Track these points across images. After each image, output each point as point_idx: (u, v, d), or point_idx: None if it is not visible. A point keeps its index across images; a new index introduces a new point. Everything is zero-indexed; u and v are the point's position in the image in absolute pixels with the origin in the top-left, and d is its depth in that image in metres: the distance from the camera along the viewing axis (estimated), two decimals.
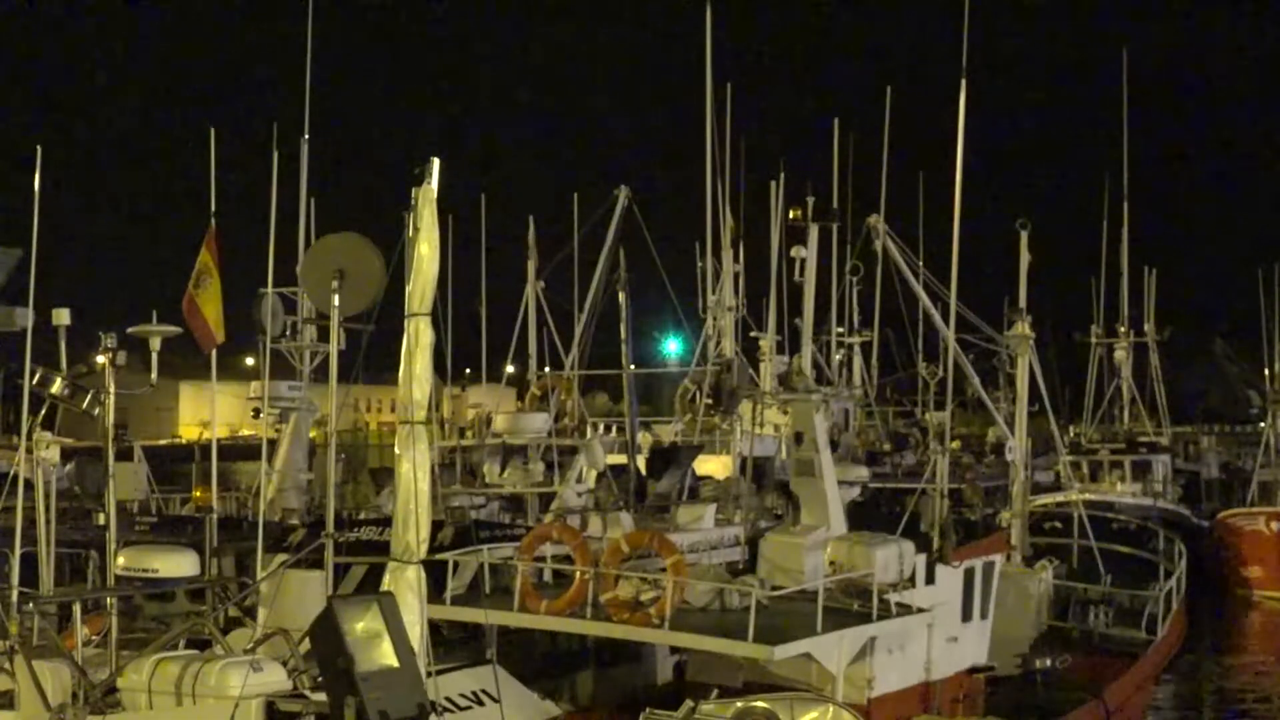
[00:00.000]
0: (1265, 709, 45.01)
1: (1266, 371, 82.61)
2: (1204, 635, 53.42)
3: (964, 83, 32.84)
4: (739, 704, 21.82)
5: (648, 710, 22.13)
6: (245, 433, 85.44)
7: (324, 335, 39.68)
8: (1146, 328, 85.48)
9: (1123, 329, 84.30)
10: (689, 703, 21.77)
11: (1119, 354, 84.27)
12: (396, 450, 16.62)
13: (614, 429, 45.26)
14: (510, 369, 55.76)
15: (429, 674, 16.31)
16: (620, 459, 33.30)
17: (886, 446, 66.68)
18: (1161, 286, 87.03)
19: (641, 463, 32.57)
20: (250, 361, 55.25)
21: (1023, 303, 41.83)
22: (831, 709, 22.41)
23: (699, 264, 52.35)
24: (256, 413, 39.74)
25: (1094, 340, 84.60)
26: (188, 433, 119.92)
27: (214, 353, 29.19)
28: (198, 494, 42.69)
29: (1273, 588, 70.01)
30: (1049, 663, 31.48)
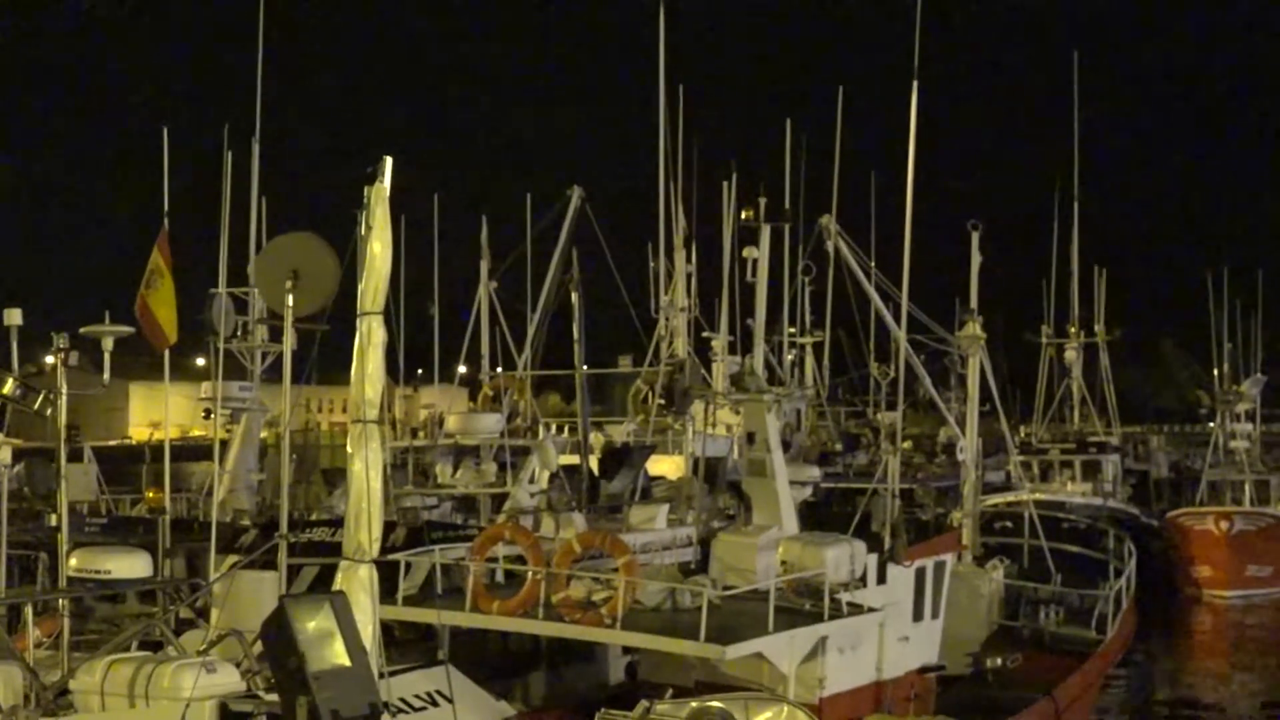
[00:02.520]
0: (1213, 707, 45.27)
1: (1215, 372, 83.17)
2: (1154, 634, 53.69)
3: (914, 84, 32.94)
4: (694, 704, 21.83)
5: (602, 710, 22.11)
6: (196, 433, 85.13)
7: (275, 335, 39.57)
8: (1097, 328, 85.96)
9: (1073, 329, 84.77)
10: (644, 703, 21.76)
11: (1069, 354, 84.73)
12: (348, 450, 16.59)
13: (566, 429, 45.26)
14: (463, 369, 55.67)
15: (381, 674, 16.30)
16: (573, 459, 33.28)
17: (838, 447, 66.75)
18: (1111, 287, 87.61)
19: (594, 463, 32.55)
20: (201, 362, 54.99)
21: (974, 303, 41.98)
22: (786, 709, 22.43)
23: (652, 264, 52.34)
24: (207, 413, 39.59)
25: (1045, 341, 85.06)
26: (138, 434, 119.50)
27: (166, 353, 29.11)
28: (150, 495, 42.51)
29: (1221, 587, 70.48)
30: (1000, 662, 31.61)
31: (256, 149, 42.30)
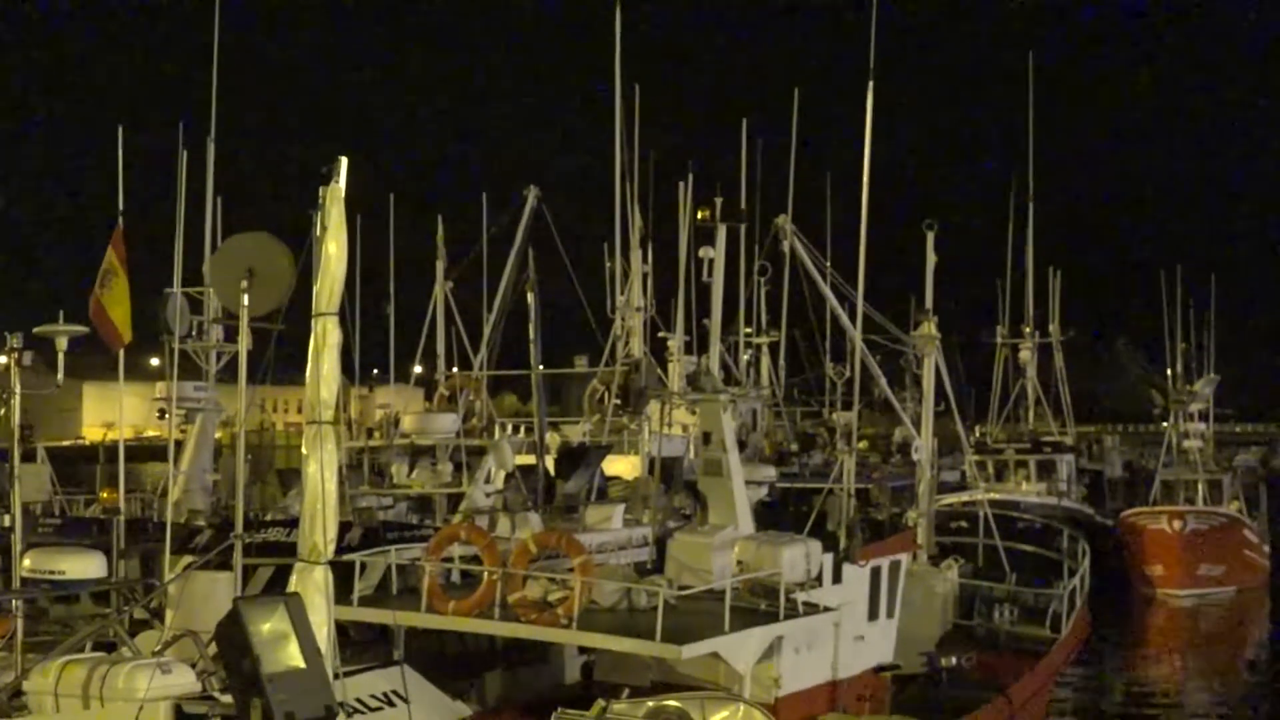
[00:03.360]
0: (1167, 705, 45.50)
1: (1169, 371, 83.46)
2: (1108, 633, 53.91)
3: (870, 85, 33.02)
4: (651, 704, 21.86)
5: (559, 710, 22.11)
6: (150, 434, 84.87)
7: (230, 335, 39.47)
8: (1051, 328, 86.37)
9: (1028, 330, 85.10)
10: (601, 703, 21.77)
11: (1024, 354, 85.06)
12: (304, 451, 16.58)
13: (522, 429, 45.21)
14: (418, 369, 55.61)
15: (336, 675, 16.29)
16: (529, 459, 33.24)
17: (794, 446, 66.90)
18: (1065, 288, 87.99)
19: (550, 463, 32.55)
20: (156, 362, 54.92)
21: (929, 303, 42.08)
22: (742, 708, 22.48)
23: (608, 264, 52.36)
24: (162, 414, 39.50)
25: (999, 341, 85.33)
26: (92, 434, 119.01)
27: (120, 353, 28.99)
28: (104, 496, 42.32)
29: (1175, 586, 70.80)
30: (954, 661, 31.65)
31: (211, 148, 42.17)
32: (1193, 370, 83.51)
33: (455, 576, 26.92)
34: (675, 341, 49.23)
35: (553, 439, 37.40)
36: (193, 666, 18.33)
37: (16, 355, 20.46)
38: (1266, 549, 77.78)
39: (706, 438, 28.77)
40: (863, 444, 60.80)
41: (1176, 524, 70.94)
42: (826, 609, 26.06)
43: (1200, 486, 75.76)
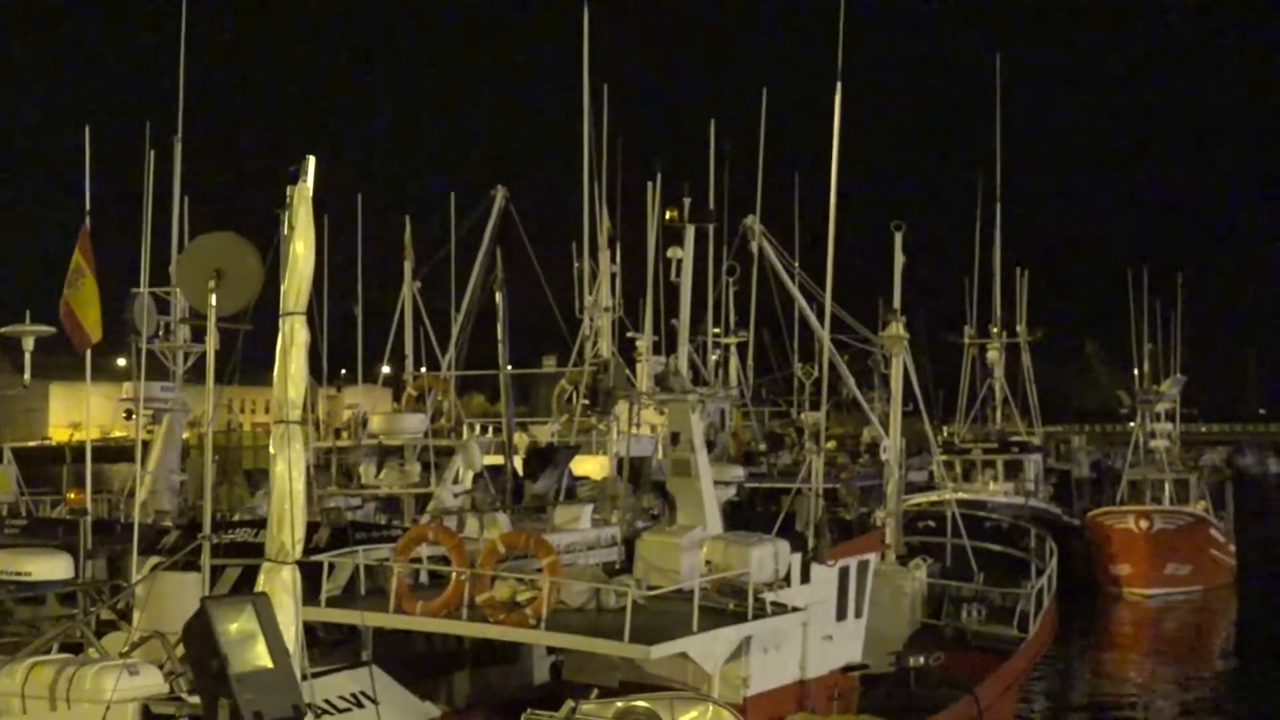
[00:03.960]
0: (1133, 705, 45.66)
1: (1136, 372, 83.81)
2: (1075, 632, 54.15)
3: (839, 85, 33.01)
4: (619, 704, 21.84)
5: (528, 711, 22.09)
6: (117, 434, 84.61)
7: (198, 335, 39.37)
8: (1019, 329, 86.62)
9: (995, 330, 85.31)
10: (570, 703, 21.75)
11: (992, 355, 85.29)
12: (271, 451, 16.55)
13: (490, 429, 45.17)
14: (386, 369, 55.51)
15: (304, 675, 16.26)
16: (497, 460, 33.20)
17: (762, 446, 66.99)
18: (1033, 288, 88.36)
19: (518, 463, 32.51)
20: (122, 362, 54.72)
21: (897, 304, 42.14)
22: (711, 708, 22.46)
23: (576, 264, 52.35)
24: (129, 414, 39.38)
25: (967, 341, 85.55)
26: (58, 434, 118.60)
27: (88, 353, 28.90)
28: (71, 496, 42.17)
29: (1142, 585, 71.08)
30: (922, 660, 31.67)
31: (178, 147, 42.07)
32: (1160, 370, 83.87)
33: (423, 577, 26.87)
34: (643, 342, 49.27)
35: (521, 439, 37.38)
36: (160, 667, 18.27)
37: None
38: (1232, 548, 78.12)
39: (675, 438, 28.76)
40: (831, 444, 60.88)
41: (1143, 523, 71.23)
42: (795, 609, 26.07)
43: (1167, 486, 76.07)
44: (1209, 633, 65.02)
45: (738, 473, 37.13)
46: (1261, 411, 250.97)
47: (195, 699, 16.28)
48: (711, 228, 39.26)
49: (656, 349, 47.43)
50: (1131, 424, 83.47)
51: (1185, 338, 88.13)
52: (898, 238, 43.31)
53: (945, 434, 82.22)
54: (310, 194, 16.37)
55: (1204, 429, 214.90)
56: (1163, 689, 48.74)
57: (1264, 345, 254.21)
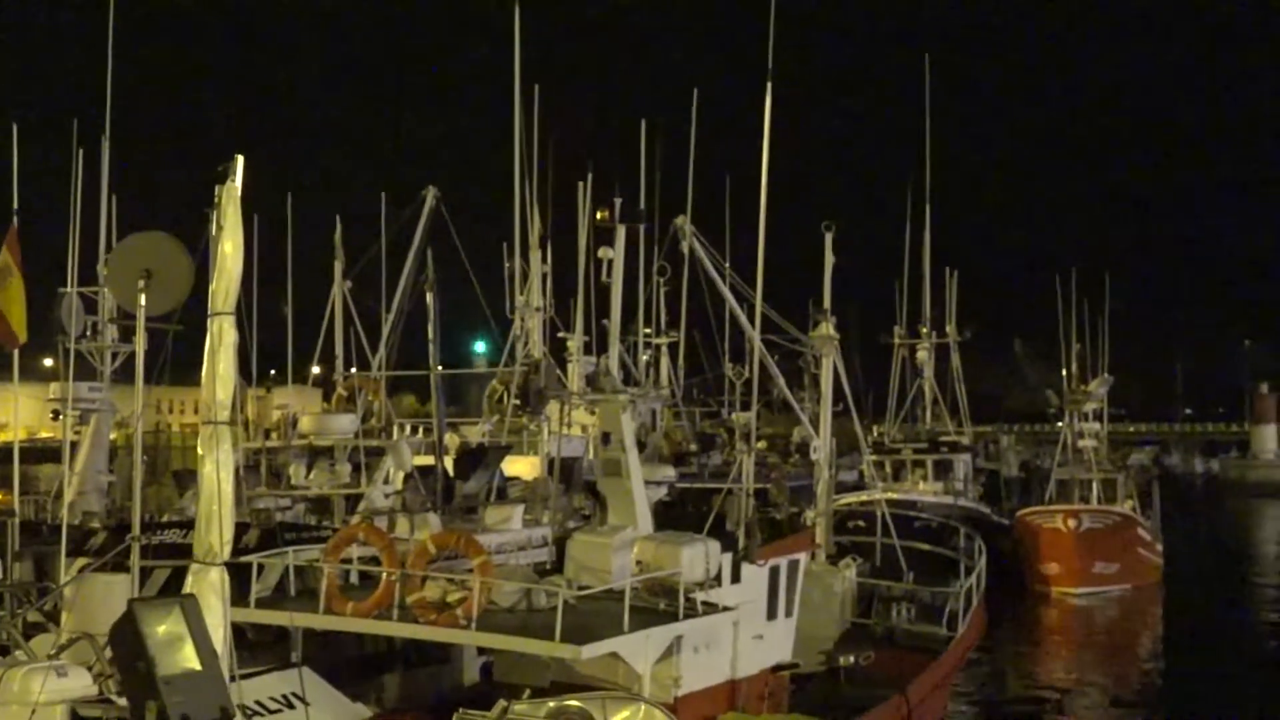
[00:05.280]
0: (1062, 703, 45.94)
1: (1064, 372, 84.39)
2: (1004, 631, 54.45)
3: (769, 85, 33.07)
4: (552, 704, 21.84)
5: (460, 711, 22.07)
6: (44, 435, 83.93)
7: (126, 335, 39.15)
8: (948, 329, 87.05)
9: (925, 330, 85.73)
10: (502, 703, 21.74)
11: (921, 355, 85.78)
12: (199, 452, 16.46)
13: (421, 430, 45.10)
14: (316, 370, 55.31)
15: (233, 677, 16.18)
16: (427, 460, 33.14)
17: (693, 447, 67.15)
18: (962, 288, 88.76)
19: (449, 464, 32.46)
20: (49, 362, 54.29)
21: (827, 304, 42.27)
22: (644, 708, 22.49)
23: (507, 264, 52.27)
24: (56, 414, 39.09)
25: (897, 341, 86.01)
26: None
27: (15, 353, 28.67)
28: None
29: (1069, 584, 71.59)
30: (852, 659, 31.82)
31: (107, 146, 41.82)
32: (1088, 370, 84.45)
33: (354, 578, 26.81)
34: (575, 342, 49.26)
35: (452, 439, 37.33)
36: (89, 670, 18.14)
37: None
38: (1159, 547, 78.77)
39: (606, 438, 28.79)
40: (761, 444, 61.06)
41: (1071, 523, 71.74)
42: (725, 608, 26.11)
43: (1095, 485, 76.73)
44: (1136, 631, 65.52)
45: (668, 473, 37.19)
46: (1188, 411, 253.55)
47: (124, 701, 16.18)
48: (642, 228, 39.32)
49: (587, 349, 47.48)
50: (1060, 424, 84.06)
51: (1113, 338, 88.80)
52: (828, 238, 43.45)
53: (875, 434, 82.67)
54: (239, 193, 16.30)
55: (1131, 429, 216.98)
56: (1091, 687, 49.05)
57: (1190, 346, 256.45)
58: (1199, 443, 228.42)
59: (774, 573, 29.45)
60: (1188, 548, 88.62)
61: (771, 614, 29.26)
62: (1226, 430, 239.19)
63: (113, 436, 43.27)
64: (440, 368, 33.46)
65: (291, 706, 21.54)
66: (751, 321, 35.77)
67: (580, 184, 49.90)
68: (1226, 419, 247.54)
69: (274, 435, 45.25)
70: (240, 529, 22.46)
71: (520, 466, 37.66)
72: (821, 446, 40.39)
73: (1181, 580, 76.69)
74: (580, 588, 24.99)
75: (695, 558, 25.99)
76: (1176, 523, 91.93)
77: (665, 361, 72.42)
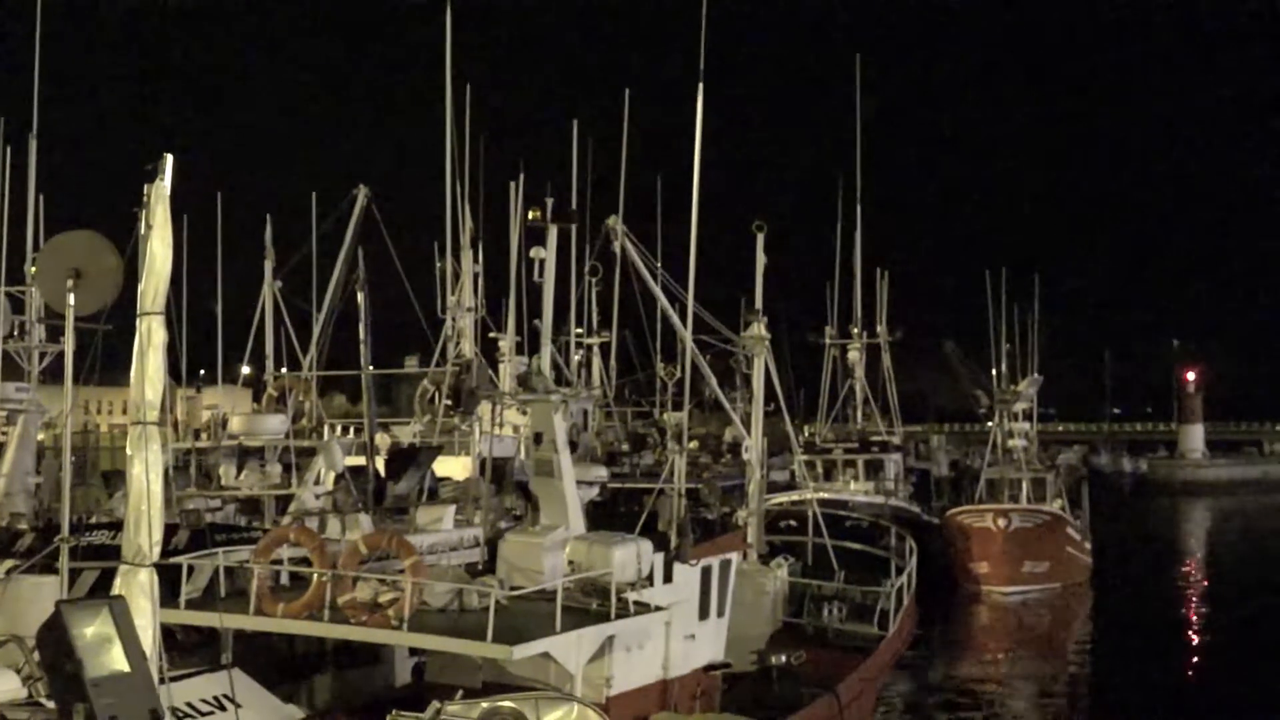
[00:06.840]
0: (992, 701, 46.16)
1: (994, 372, 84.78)
2: (934, 630, 54.71)
3: (700, 86, 33.12)
4: (485, 704, 21.80)
5: (393, 712, 21.98)
6: None
7: (53, 335, 38.86)
8: (879, 329, 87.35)
9: (856, 330, 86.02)
10: (435, 704, 21.66)
11: (852, 355, 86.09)
12: (128, 452, 16.37)
13: (352, 430, 44.98)
14: (246, 370, 55.03)
15: (162, 679, 16.10)
16: (359, 460, 33.03)
17: (625, 446, 67.10)
18: (893, 289, 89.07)
19: (380, 464, 32.36)
20: None
21: (759, 304, 42.31)
22: (576, 708, 22.48)
23: (438, 264, 52.16)
24: None
25: (828, 341, 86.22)
26: None
27: None
28: None
29: (1000, 583, 71.98)
30: (784, 659, 31.91)
31: (34, 144, 41.51)
32: (1017, 370, 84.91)
33: (284, 579, 26.69)
34: (506, 342, 49.15)
35: (383, 440, 37.19)
36: (18, 672, 18.02)
37: None
38: (1088, 546, 79.35)
39: (538, 438, 28.75)
40: (693, 444, 61.14)
41: (1001, 522, 72.13)
42: (657, 608, 26.13)
43: (1024, 485, 77.12)
44: (1066, 629, 65.89)
45: (600, 473, 37.14)
46: (1116, 411, 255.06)
47: (53, 704, 16.07)
48: (574, 227, 39.30)
49: (519, 349, 47.37)
50: (989, 424, 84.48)
51: (1042, 338, 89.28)
52: (759, 238, 43.51)
53: (807, 434, 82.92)
54: (168, 192, 16.20)
55: (1060, 428, 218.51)
56: (1021, 685, 49.31)
57: (1117, 346, 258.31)
58: (1127, 442, 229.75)
59: (706, 572, 29.48)
60: (1117, 547, 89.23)
61: (704, 614, 29.29)
62: (1154, 430, 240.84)
63: (40, 437, 42.90)
64: (371, 367, 33.36)
65: (222, 708, 21.43)
66: (683, 321, 35.80)
67: (512, 184, 49.83)
68: (1154, 419, 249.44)
69: (204, 436, 45.03)
70: (170, 530, 22.35)
71: (452, 467, 37.60)
72: (753, 446, 40.43)
73: (1110, 579, 77.33)
74: (512, 588, 24.99)
75: (627, 558, 26.00)
76: (1105, 522, 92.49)
77: (597, 361, 72.47)
